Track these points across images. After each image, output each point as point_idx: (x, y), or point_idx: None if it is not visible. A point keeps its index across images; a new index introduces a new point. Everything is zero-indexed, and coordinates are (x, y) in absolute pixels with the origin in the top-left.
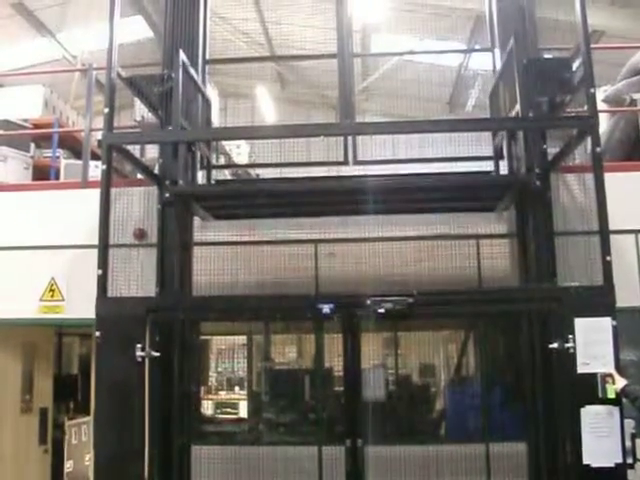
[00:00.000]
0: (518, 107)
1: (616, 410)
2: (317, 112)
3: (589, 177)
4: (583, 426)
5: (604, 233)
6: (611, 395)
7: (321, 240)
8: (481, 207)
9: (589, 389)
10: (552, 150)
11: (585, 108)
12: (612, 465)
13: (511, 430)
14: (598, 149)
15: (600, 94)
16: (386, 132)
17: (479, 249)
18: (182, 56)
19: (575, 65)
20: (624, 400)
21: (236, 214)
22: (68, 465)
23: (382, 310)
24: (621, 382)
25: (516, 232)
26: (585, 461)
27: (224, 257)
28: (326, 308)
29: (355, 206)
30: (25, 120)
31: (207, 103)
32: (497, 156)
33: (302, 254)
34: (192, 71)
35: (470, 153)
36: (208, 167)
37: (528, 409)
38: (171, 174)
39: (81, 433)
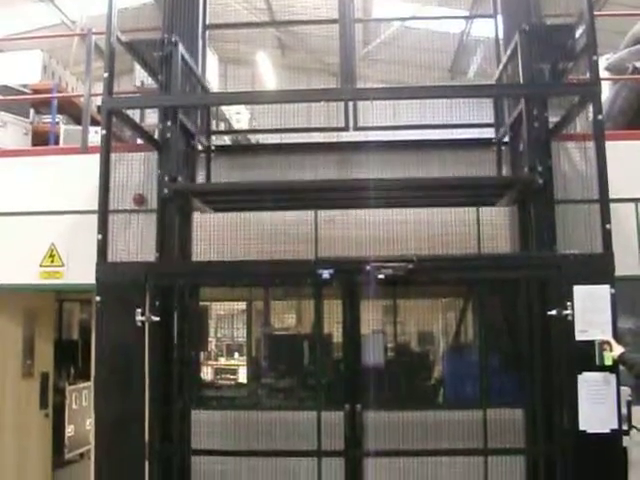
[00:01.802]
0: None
1: (613, 377)
2: (318, 79)
3: (590, 145)
4: (580, 393)
5: (604, 201)
6: (608, 362)
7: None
8: (482, 202)
9: (586, 356)
10: (553, 120)
11: (587, 76)
12: (607, 431)
13: (508, 396)
14: (600, 117)
15: (603, 62)
16: (386, 97)
17: (479, 215)
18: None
19: (578, 32)
20: (621, 367)
21: (236, 207)
22: (69, 430)
23: (382, 276)
24: (618, 349)
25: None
26: (581, 427)
27: (223, 223)
28: (325, 274)
29: (356, 201)
30: (24, 86)
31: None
32: (498, 123)
33: (302, 220)
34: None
35: (471, 121)
36: (208, 133)
37: (526, 376)
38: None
39: (82, 398)
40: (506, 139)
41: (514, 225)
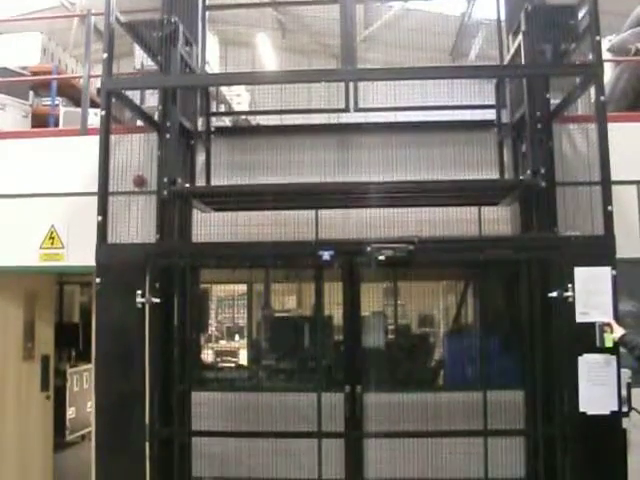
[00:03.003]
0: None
1: (613, 359)
2: (318, 61)
3: (592, 127)
4: (580, 374)
5: (606, 183)
6: (609, 344)
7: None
8: (484, 203)
9: (587, 338)
10: (555, 102)
11: (590, 57)
12: (607, 413)
13: (509, 378)
14: (602, 98)
15: (605, 44)
16: (387, 78)
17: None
18: None
19: (581, 13)
20: (622, 349)
21: (236, 208)
22: (70, 412)
23: (382, 257)
24: (619, 331)
25: None
26: (581, 409)
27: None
28: (326, 255)
29: (358, 201)
30: (23, 68)
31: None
32: (499, 105)
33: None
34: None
35: (472, 102)
36: (207, 114)
37: (526, 357)
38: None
39: (82, 380)
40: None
41: (515, 219)
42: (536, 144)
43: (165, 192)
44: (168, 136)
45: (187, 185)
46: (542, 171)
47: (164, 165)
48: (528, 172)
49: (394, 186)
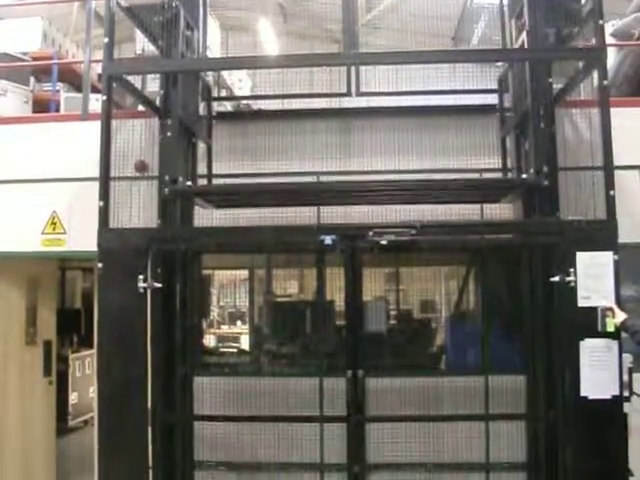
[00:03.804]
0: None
1: (615, 344)
2: (320, 46)
3: (594, 112)
4: (582, 359)
5: (608, 167)
6: (610, 329)
7: (323, 172)
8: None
9: (589, 322)
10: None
11: (593, 41)
12: (609, 397)
13: (511, 363)
14: (605, 82)
15: (608, 28)
16: (389, 62)
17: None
18: None
19: None
20: (623, 334)
21: (238, 205)
22: (73, 397)
23: (384, 242)
24: (621, 316)
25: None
26: (583, 393)
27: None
28: (328, 239)
29: (360, 198)
30: (24, 53)
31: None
32: (501, 89)
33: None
34: None
35: (474, 87)
36: (209, 99)
37: (528, 342)
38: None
39: (85, 366)
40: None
41: (517, 211)
42: (539, 138)
43: (167, 190)
44: (170, 122)
45: (188, 183)
46: (545, 169)
47: (165, 165)
48: (531, 171)
49: (396, 185)
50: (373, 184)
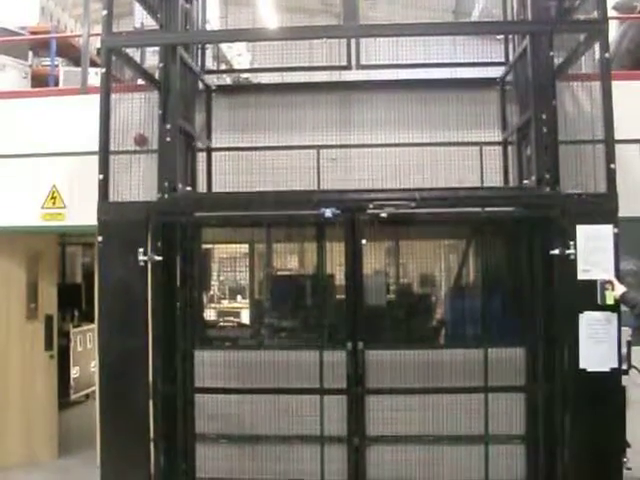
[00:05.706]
0: None
1: (614, 317)
2: (321, 20)
3: (595, 85)
4: (581, 331)
5: (609, 140)
6: (610, 301)
7: (323, 146)
8: None
9: (588, 295)
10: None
11: (595, 14)
12: (607, 370)
13: (510, 336)
14: (606, 55)
15: (610, 1)
16: (390, 34)
17: (482, 156)
18: None
19: None
20: (622, 307)
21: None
22: (74, 371)
23: (384, 214)
24: (620, 289)
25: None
26: (581, 365)
27: (225, 164)
28: (328, 212)
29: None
30: (22, 28)
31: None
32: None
33: (304, 159)
34: None
35: (475, 60)
36: (207, 72)
37: (527, 315)
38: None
39: (86, 340)
40: (510, 78)
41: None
42: (541, 147)
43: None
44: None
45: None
46: (547, 176)
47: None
48: (533, 178)
49: (397, 195)
50: (372, 193)
